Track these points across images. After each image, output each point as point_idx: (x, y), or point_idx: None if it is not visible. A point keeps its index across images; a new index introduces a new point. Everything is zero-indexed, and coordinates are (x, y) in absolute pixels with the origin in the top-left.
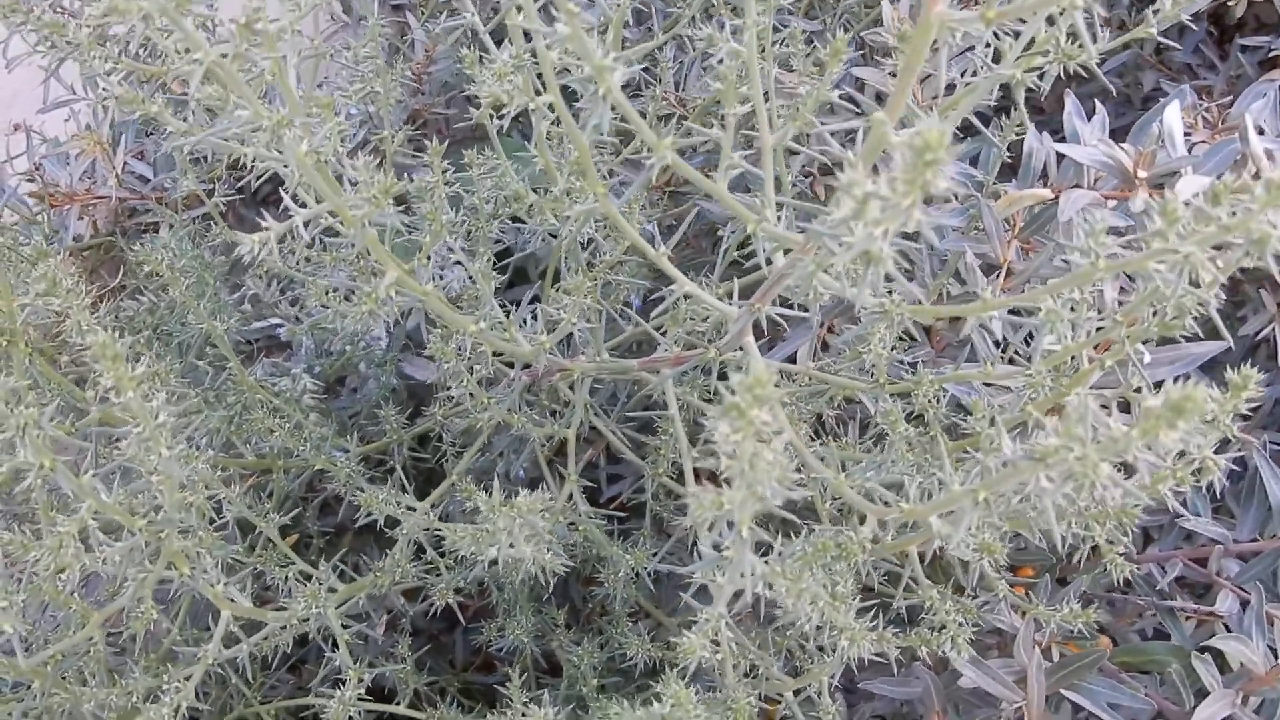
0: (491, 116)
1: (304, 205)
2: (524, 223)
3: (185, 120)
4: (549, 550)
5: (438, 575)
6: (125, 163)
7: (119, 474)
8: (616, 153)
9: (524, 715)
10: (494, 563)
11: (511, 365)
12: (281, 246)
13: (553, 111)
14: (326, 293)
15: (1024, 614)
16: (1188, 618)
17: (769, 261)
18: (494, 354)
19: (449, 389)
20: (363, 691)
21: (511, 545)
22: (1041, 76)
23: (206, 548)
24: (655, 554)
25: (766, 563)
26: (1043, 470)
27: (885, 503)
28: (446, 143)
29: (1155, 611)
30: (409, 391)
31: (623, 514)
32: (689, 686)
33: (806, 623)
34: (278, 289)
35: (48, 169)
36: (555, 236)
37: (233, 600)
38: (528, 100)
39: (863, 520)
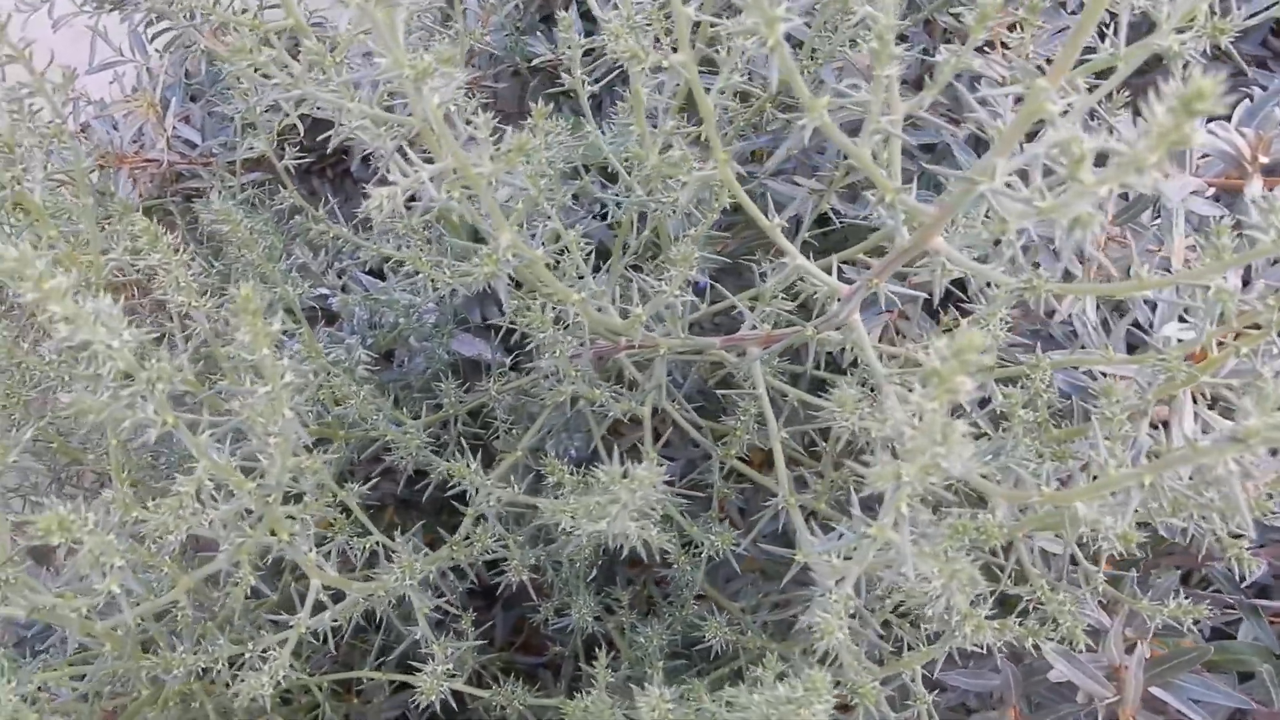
0: (584, 83)
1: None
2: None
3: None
4: (655, 526)
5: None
6: (174, 127)
7: (229, 436)
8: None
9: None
10: (564, 538)
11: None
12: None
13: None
14: (386, 261)
15: (1112, 608)
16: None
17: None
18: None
19: (505, 363)
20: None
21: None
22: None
23: (311, 514)
24: (738, 538)
25: (915, 543)
26: (1237, 452)
27: (1020, 487)
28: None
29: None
30: (453, 368)
31: (699, 495)
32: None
33: (930, 607)
34: (326, 258)
35: (96, 130)
36: (643, 210)
37: (321, 569)
38: (661, 58)
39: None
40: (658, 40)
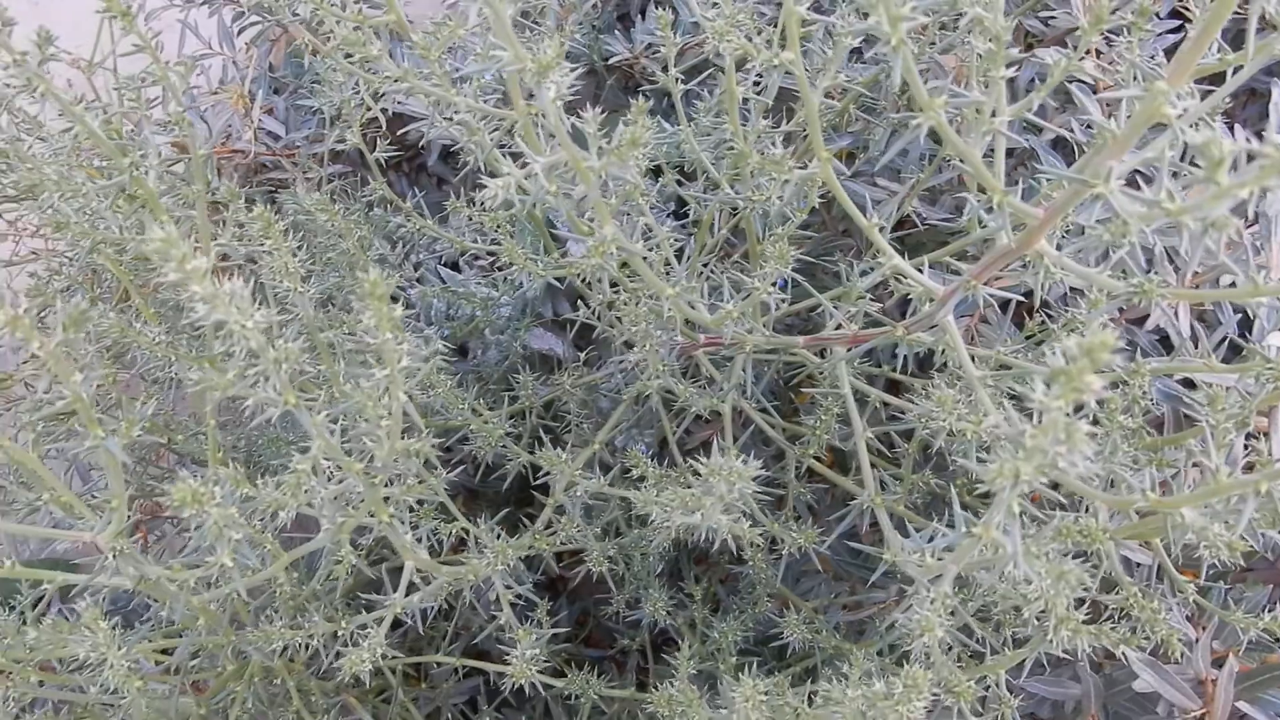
0: (677, 80)
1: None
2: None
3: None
4: (748, 520)
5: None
6: (259, 119)
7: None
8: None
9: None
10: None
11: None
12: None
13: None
14: (463, 254)
15: (1198, 620)
16: None
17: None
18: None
19: (580, 357)
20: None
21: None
22: None
23: (412, 497)
24: (823, 535)
25: (1024, 542)
26: None
27: (1120, 492)
28: (605, 112)
29: None
30: (525, 362)
31: (772, 494)
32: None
33: (1027, 609)
34: (402, 251)
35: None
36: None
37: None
38: (772, 56)
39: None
40: (749, 39)
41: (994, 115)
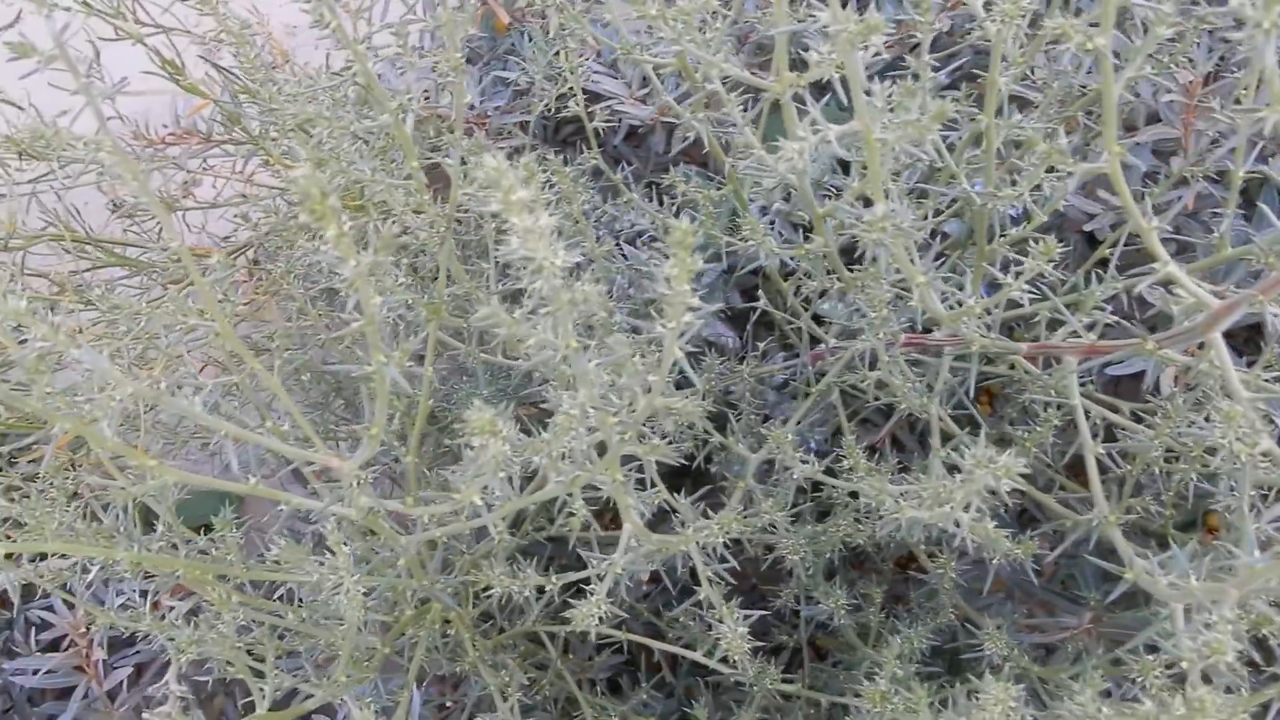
0: (929, 69)
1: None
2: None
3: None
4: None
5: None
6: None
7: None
8: None
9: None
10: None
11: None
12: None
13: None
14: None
15: None
16: None
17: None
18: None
19: (760, 348)
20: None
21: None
22: None
23: (659, 457)
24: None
25: None
26: None
27: None
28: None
29: None
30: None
31: None
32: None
33: None
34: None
35: (388, 80)
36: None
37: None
38: (1085, 39)
39: None
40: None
41: None
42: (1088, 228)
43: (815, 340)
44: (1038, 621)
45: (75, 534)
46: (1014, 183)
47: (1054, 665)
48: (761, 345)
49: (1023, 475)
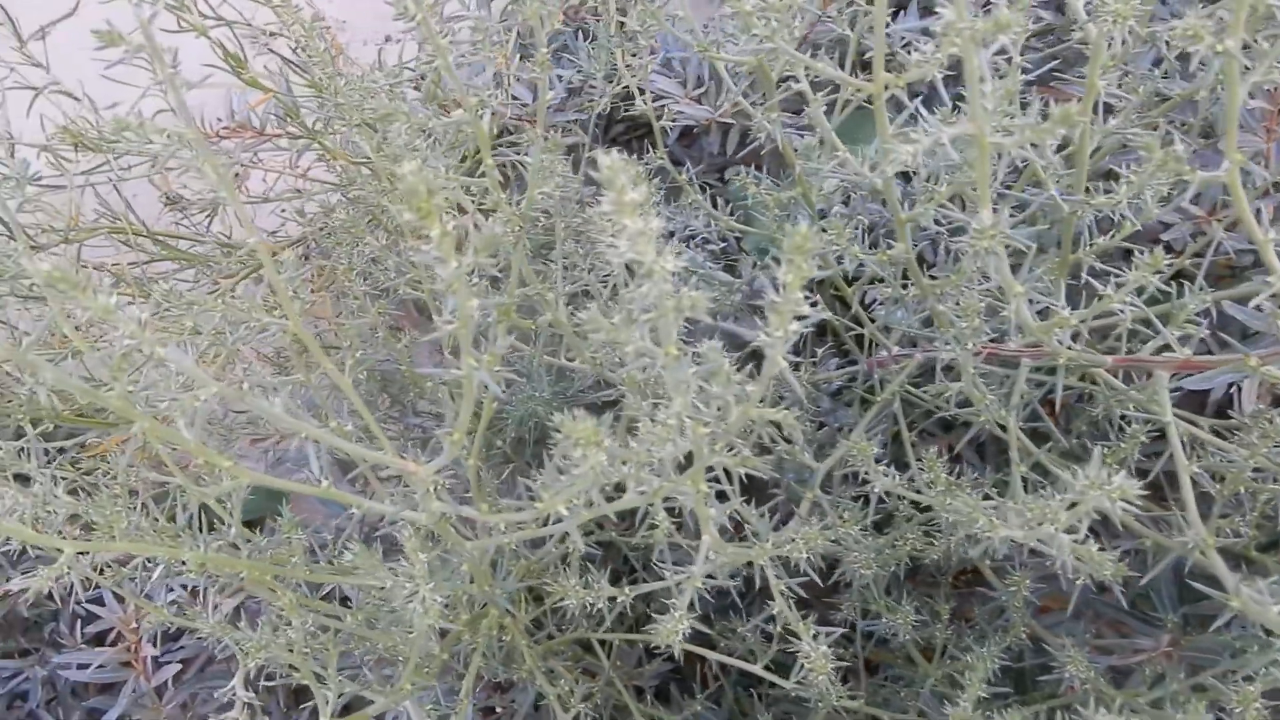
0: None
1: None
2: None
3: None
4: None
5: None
6: (511, 82)
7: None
8: None
9: None
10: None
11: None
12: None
13: None
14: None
15: None
16: None
17: None
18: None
19: (817, 353)
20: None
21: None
22: None
23: (746, 469)
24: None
25: None
26: None
27: None
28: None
29: None
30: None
31: None
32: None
33: None
34: None
35: (444, 79)
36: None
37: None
38: (1216, 43)
39: None
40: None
41: None
42: (1165, 238)
43: (874, 347)
44: (1108, 642)
45: (141, 534)
46: (1108, 190)
47: (1130, 689)
48: (820, 351)
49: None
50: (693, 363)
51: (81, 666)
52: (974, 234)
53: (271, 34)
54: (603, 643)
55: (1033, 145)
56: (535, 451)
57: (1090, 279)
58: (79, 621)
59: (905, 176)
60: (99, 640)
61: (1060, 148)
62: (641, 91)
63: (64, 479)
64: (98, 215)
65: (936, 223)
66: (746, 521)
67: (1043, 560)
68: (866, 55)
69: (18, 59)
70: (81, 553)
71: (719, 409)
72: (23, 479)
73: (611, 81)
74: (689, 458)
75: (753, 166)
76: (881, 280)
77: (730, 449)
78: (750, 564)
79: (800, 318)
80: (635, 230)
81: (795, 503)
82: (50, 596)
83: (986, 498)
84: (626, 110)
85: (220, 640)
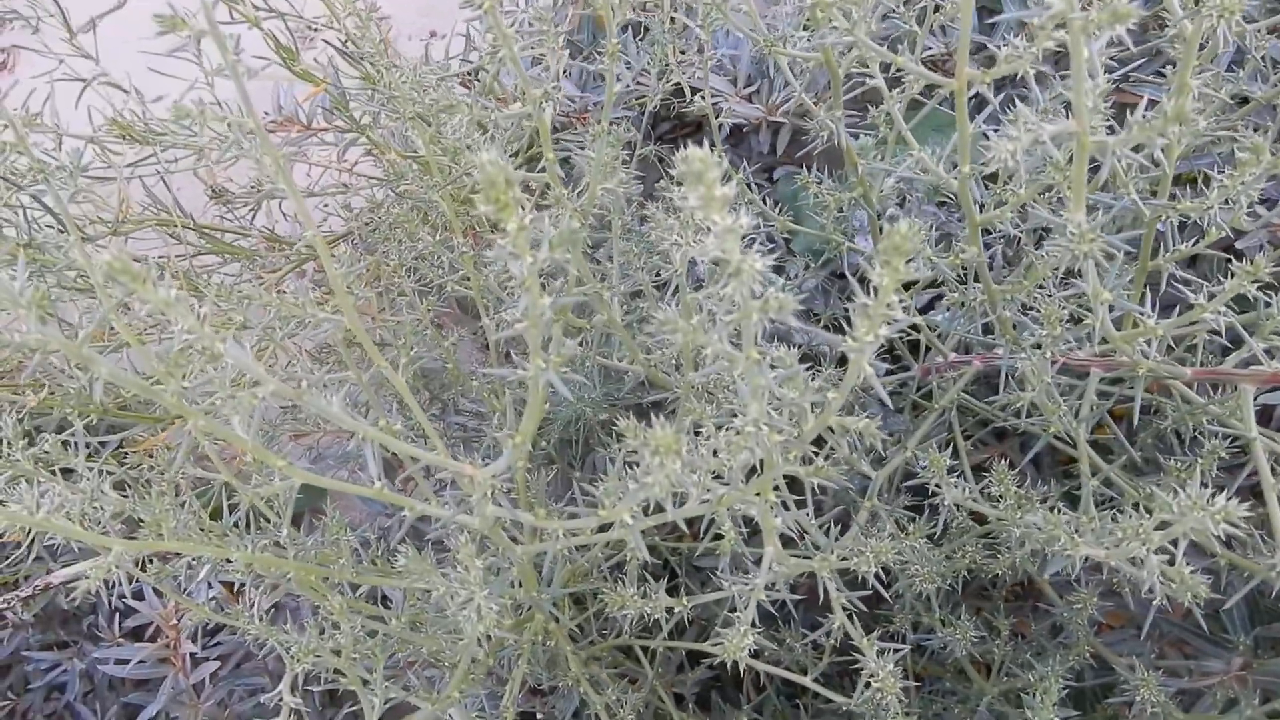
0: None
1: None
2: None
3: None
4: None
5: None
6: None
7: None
8: None
9: None
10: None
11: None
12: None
13: None
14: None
15: None
16: None
17: None
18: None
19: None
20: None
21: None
22: None
23: (820, 479)
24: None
25: None
26: None
27: None
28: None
29: None
30: None
31: None
32: None
33: None
34: None
35: (503, 72)
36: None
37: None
38: None
39: None
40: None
41: None
42: (1240, 245)
43: (927, 353)
44: (1176, 663)
45: (189, 532)
46: (1199, 194)
47: (1199, 712)
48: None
49: None
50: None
51: (120, 661)
52: (1072, 237)
53: (321, 27)
54: (645, 648)
55: (1137, 147)
56: (581, 453)
57: (1178, 286)
58: (117, 615)
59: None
60: (137, 635)
61: (1137, 149)
62: (695, 90)
63: (112, 474)
64: (144, 208)
65: (1014, 225)
66: (805, 531)
67: (1105, 576)
68: (925, 54)
69: (67, 50)
70: (126, 551)
71: (792, 416)
72: (67, 473)
73: (663, 79)
74: (755, 466)
75: (802, 167)
76: (942, 284)
77: (803, 459)
78: (802, 574)
79: (890, 322)
80: (724, 227)
81: (847, 511)
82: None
83: (1055, 511)
84: (677, 107)
85: (259, 638)
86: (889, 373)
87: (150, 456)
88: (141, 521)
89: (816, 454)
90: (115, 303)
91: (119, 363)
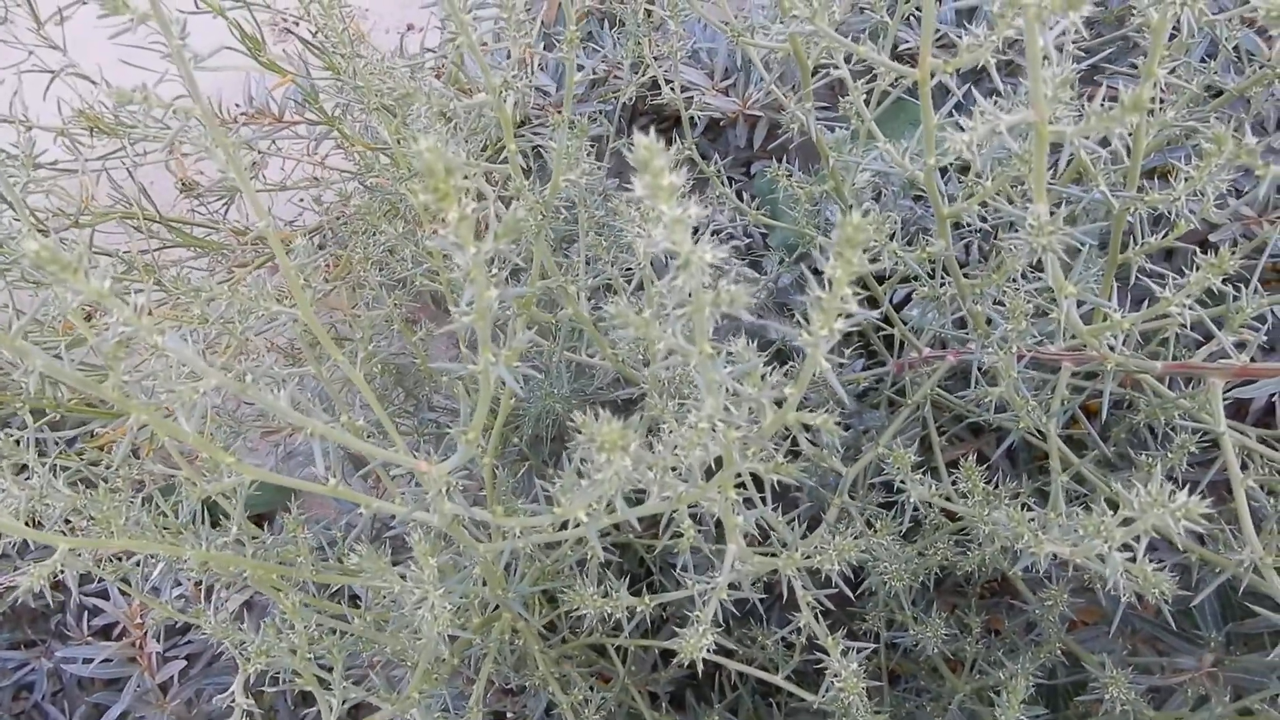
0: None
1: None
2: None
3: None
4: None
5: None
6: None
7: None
8: None
9: None
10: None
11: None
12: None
13: None
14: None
15: None
16: None
17: None
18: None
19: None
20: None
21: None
22: None
23: (780, 475)
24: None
25: None
26: None
27: None
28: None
29: None
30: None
31: None
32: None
33: None
34: None
35: (469, 65)
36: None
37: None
38: None
39: None
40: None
41: None
42: (1213, 238)
43: (902, 348)
44: (1147, 660)
45: (142, 529)
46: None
47: (1170, 710)
48: (847, 352)
49: None
50: (726, 362)
51: (86, 661)
52: (1030, 230)
53: (294, 20)
54: (617, 648)
55: (1093, 137)
56: (553, 449)
57: (1145, 280)
58: (85, 614)
59: (943, 172)
60: (106, 634)
61: (1103, 143)
62: (669, 82)
63: (68, 470)
64: (112, 201)
65: (982, 219)
66: (772, 528)
67: (1078, 573)
68: (900, 48)
69: (35, 41)
70: (76, 549)
71: (751, 411)
72: (23, 469)
73: (638, 71)
74: (717, 462)
75: (779, 161)
76: (915, 279)
77: (762, 454)
78: (773, 572)
79: (846, 315)
80: (672, 217)
81: (819, 507)
82: (56, 587)
83: (1025, 507)
84: (652, 101)
85: (215, 638)
86: (865, 368)
87: (105, 452)
88: (94, 519)
89: (786, 451)
90: (65, 294)
91: (87, 357)
